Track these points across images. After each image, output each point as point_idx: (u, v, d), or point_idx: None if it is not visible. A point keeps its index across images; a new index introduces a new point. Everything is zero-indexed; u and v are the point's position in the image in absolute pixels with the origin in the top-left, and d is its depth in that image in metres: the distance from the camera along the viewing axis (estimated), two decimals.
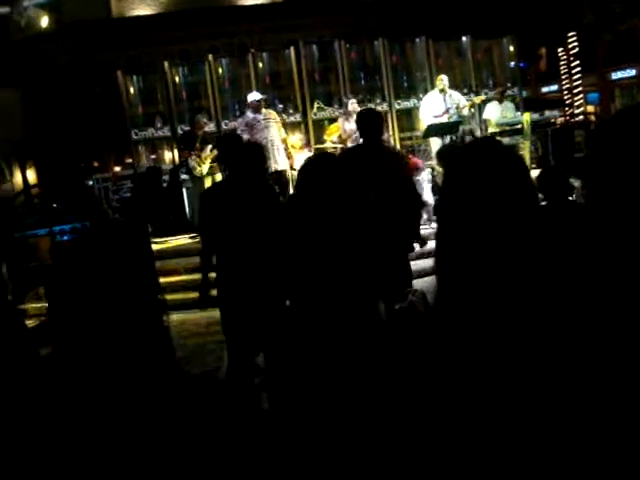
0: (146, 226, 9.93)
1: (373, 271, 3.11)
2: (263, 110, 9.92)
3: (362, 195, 4.01)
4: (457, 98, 10.75)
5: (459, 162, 1.48)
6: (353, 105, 10.40)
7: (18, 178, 19.66)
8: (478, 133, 12.30)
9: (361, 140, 5.45)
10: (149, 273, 1.77)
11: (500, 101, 12.12)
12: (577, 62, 23.33)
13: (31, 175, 19.68)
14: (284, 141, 10.10)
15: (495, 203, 1.38)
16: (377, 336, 2.87)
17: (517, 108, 12.94)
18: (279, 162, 9.74)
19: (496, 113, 11.93)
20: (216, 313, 4.88)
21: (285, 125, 10.80)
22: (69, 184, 14.75)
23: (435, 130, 10.30)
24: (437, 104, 10.53)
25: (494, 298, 1.38)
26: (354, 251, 3.01)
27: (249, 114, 9.96)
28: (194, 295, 7.28)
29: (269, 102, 11.25)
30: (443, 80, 10.68)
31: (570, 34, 23.24)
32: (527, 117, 11.51)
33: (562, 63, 24.18)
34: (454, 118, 10.49)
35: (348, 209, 3.05)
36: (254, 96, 10.04)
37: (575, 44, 23.40)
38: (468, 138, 11.26)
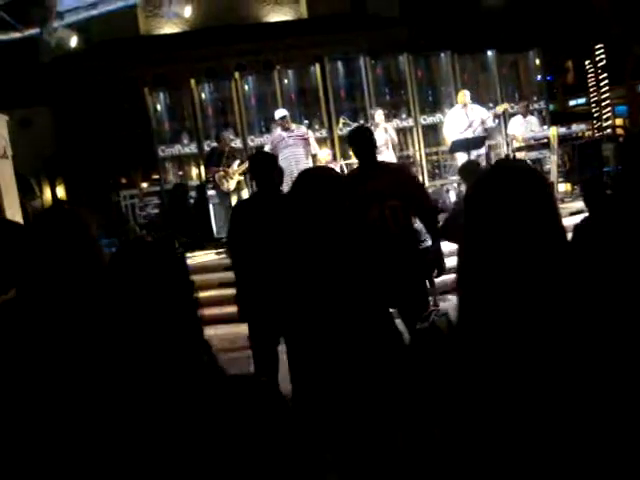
0: (174, 244, 9.97)
1: (377, 287, 3.05)
2: (293, 126, 9.96)
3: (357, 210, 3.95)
4: (479, 111, 10.69)
5: (481, 187, 1.47)
6: (380, 116, 10.40)
7: (47, 195, 19.95)
8: (504, 149, 12.25)
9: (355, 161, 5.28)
10: (181, 290, 1.80)
11: (524, 115, 12.02)
12: (605, 74, 23.12)
13: (60, 192, 19.97)
14: (314, 157, 10.11)
15: (517, 228, 1.37)
16: (397, 353, 2.85)
17: (543, 122, 12.84)
18: None
19: (521, 127, 11.84)
20: (242, 328, 4.89)
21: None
22: (97, 201, 14.93)
23: (460, 145, 10.27)
24: (460, 119, 10.50)
25: (516, 319, 1.37)
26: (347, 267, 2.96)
27: (275, 131, 10.01)
28: (221, 310, 7.31)
29: (294, 118, 11.28)
30: (465, 95, 10.64)
31: (597, 46, 23.06)
32: (554, 131, 11.41)
33: (590, 76, 23.97)
34: (478, 132, 10.44)
35: (337, 226, 3.00)
36: (278, 113, 10.08)
37: (603, 56, 23.21)
38: (493, 154, 11.23)
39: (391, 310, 3.29)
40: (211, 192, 11.00)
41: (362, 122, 12.58)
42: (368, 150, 4.88)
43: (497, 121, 11.91)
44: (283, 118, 9.88)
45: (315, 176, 3.17)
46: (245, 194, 10.06)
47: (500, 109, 11.69)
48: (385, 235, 4.49)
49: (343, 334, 2.89)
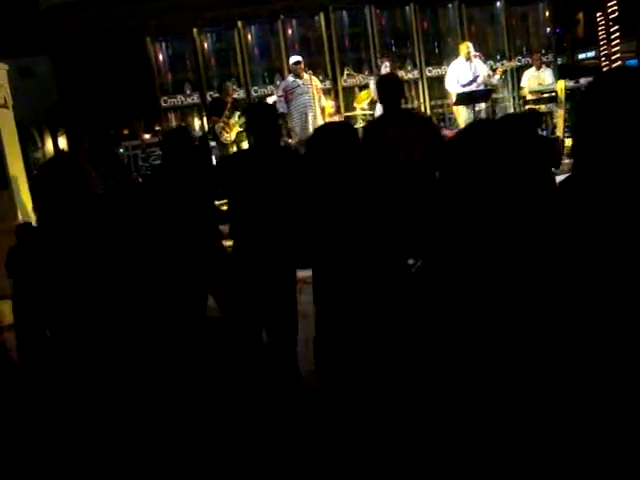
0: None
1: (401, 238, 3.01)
2: (304, 75, 9.79)
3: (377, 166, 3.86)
4: (481, 68, 10.38)
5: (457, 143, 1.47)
6: (387, 68, 10.23)
7: (49, 146, 19.83)
8: (511, 102, 12.07)
9: (380, 107, 5.28)
10: None
11: (538, 67, 11.82)
12: (616, 27, 22.65)
13: (62, 142, 19.84)
14: (322, 110, 10.02)
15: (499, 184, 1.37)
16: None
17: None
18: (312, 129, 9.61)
19: (533, 80, 11.63)
20: None
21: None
22: (99, 151, 14.85)
23: (465, 98, 10.08)
24: (464, 72, 10.23)
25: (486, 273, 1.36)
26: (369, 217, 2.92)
27: (289, 78, 9.88)
28: None
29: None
30: (469, 47, 10.33)
31: None
32: (561, 85, 11.23)
33: (600, 29, 23.47)
34: (483, 87, 10.23)
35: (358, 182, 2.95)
36: (292, 59, 9.94)
37: (615, 8, 22.70)
38: (498, 108, 11.05)
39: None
40: (212, 143, 10.90)
41: (367, 73, 12.42)
42: (395, 97, 4.97)
43: (503, 77, 11.70)
44: (297, 63, 9.71)
45: (334, 130, 3.10)
46: (245, 146, 9.97)
47: (509, 66, 11.51)
48: (412, 183, 4.46)
49: (363, 290, 2.85)
